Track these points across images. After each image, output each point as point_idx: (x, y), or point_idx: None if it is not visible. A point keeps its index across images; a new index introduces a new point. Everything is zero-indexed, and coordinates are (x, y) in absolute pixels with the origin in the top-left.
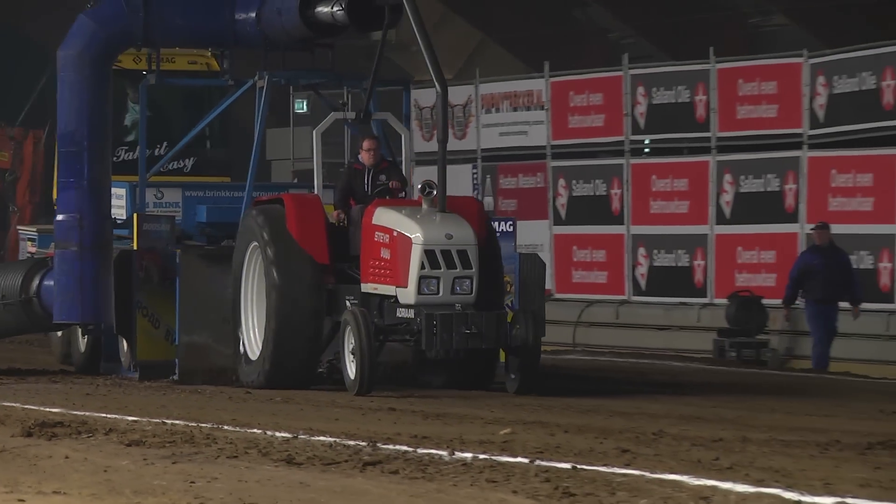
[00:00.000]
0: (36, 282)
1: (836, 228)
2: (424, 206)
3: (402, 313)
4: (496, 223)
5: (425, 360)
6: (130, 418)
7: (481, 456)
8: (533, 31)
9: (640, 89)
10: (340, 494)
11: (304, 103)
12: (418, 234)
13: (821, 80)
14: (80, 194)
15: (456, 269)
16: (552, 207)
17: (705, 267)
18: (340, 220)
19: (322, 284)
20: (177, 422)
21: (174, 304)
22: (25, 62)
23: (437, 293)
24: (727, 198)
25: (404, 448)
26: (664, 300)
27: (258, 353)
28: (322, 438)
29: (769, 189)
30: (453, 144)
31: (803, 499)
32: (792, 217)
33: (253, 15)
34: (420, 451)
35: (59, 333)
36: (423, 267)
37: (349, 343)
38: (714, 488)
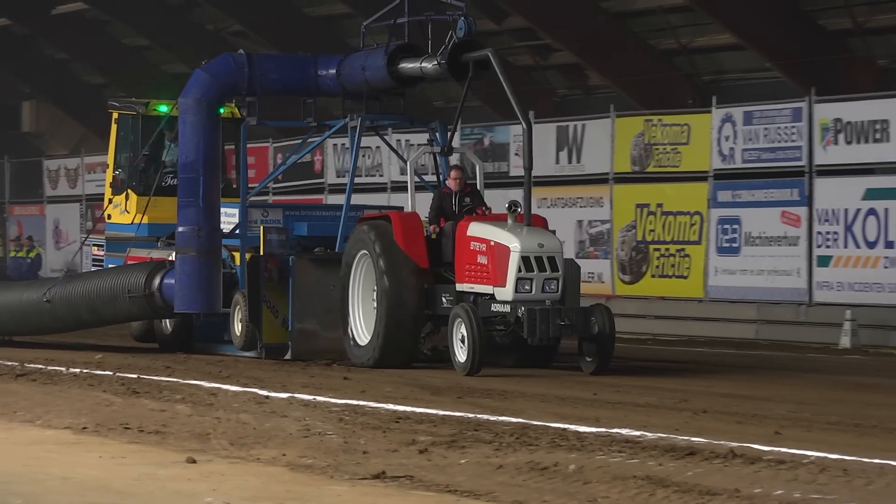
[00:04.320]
0: (157, 280)
1: None
2: (510, 220)
3: (497, 308)
4: None
5: (496, 344)
6: None
7: (84, 370)
8: None
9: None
10: (2, 393)
11: None
12: (516, 244)
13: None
14: (196, 211)
15: (546, 271)
16: None
17: None
18: (435, 233)
19: (422, 284)
20: None
21: (288, 297)
22: None
23: (531, 292)
24: None
25: (40, 366)
26: None
27: (368, 340)
28: None
29: None
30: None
31: (270, 394)
32: None
33: (333, 71)
34: (49, 367)
35: None
36: (519, 270)
37: (458, 333)
38: (219, 388)
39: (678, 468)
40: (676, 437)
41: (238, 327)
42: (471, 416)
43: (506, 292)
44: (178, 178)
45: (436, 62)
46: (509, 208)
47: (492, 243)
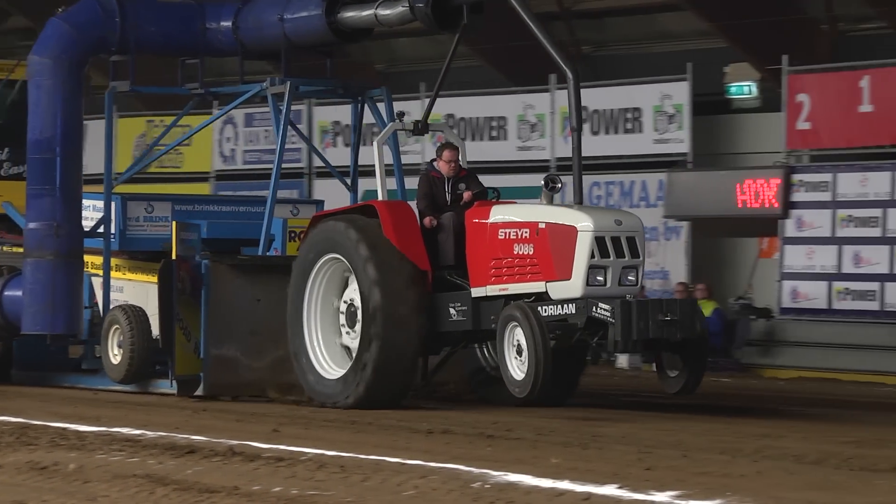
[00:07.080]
0: None
1: None
2: (544, 200)
3: (549, 310)
4: None
5: (492, 378)
6: None
7: None
8: None
9: None
10: None
11: None
12: (587, 222)
13: None
14: (53, 202)
15: (625, 257)
16: None
17: None
18: (432, 226)
19: (425, 293)
20: None
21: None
22: None
23: (605, 284)
24: None
25: None
26: None
27: (342, 372)
28: None
29: None
30: None
31: None
32: None
33: (227, 24)
34: None
35: None
36: (592, 256)
37: (512, 342)
38: None
39: (178, 466)
40: (176, 436)
41: (115, 354)
42: None
43: (571, 287)
44: (28, 160)
45: (404, 6)
46: (546, 185)
47: (541, 226)
